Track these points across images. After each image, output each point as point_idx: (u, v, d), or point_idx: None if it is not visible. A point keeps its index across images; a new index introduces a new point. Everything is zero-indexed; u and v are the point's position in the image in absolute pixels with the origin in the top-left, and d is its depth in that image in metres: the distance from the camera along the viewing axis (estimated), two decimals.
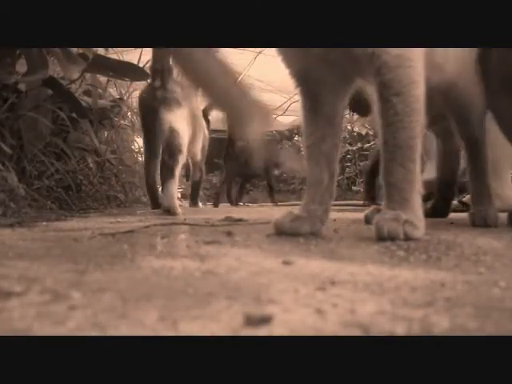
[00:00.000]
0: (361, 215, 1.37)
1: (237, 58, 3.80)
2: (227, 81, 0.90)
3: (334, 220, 1.47)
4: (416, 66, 0.88)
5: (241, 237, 0.90)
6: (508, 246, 0.79)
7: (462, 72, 1.22)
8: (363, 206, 2.60)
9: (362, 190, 3.97)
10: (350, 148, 5.85)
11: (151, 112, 1.96)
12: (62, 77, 2.19)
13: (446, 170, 1.70)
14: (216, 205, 3.87)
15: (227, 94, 0.94)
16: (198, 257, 0.64)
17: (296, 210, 0.99)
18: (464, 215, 1.36)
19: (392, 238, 0.79)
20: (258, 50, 4.44)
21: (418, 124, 0.87)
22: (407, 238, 0.80)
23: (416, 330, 0.32)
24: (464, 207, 2.09)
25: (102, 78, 2.85)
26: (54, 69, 2.17)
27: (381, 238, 0.81)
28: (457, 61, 1.18)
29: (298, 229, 0.94)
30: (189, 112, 2.14)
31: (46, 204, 1.84)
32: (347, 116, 4.68)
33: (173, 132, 1.92)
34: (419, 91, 0.88)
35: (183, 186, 5.74)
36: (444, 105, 1.30)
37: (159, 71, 1.96)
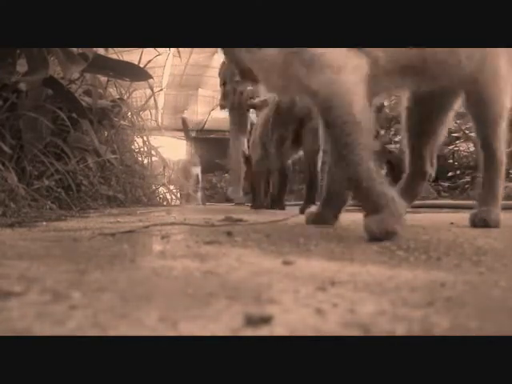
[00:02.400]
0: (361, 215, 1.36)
1: None
2: None
3: None
4: None
5: (241, 237, 0.90)
6: (508, 247, 0.79)
7: (484, 69, 1.23)
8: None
9: None
10: None
11: (189, 168, 6.72)
12: (62, 77, 2.19)
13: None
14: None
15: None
16: (198, 257, 0.64)
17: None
18: (465, 215, 1.36)
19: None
20: None
21: None
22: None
23: (416, 330, 0.32)
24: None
25: (102, 78, 2.84)
26: (54, 69, 2.17)
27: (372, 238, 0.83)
28: (480, 58, 1.19)
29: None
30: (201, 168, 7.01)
31: (45, 204, 1.84)
32: None
33: (197, 175, 6.86)
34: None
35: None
36: (464, 100, 1.30)
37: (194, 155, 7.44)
